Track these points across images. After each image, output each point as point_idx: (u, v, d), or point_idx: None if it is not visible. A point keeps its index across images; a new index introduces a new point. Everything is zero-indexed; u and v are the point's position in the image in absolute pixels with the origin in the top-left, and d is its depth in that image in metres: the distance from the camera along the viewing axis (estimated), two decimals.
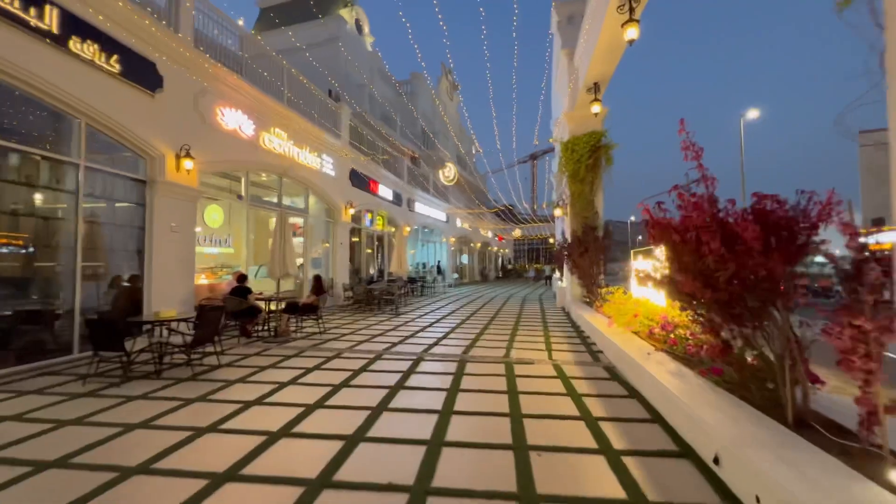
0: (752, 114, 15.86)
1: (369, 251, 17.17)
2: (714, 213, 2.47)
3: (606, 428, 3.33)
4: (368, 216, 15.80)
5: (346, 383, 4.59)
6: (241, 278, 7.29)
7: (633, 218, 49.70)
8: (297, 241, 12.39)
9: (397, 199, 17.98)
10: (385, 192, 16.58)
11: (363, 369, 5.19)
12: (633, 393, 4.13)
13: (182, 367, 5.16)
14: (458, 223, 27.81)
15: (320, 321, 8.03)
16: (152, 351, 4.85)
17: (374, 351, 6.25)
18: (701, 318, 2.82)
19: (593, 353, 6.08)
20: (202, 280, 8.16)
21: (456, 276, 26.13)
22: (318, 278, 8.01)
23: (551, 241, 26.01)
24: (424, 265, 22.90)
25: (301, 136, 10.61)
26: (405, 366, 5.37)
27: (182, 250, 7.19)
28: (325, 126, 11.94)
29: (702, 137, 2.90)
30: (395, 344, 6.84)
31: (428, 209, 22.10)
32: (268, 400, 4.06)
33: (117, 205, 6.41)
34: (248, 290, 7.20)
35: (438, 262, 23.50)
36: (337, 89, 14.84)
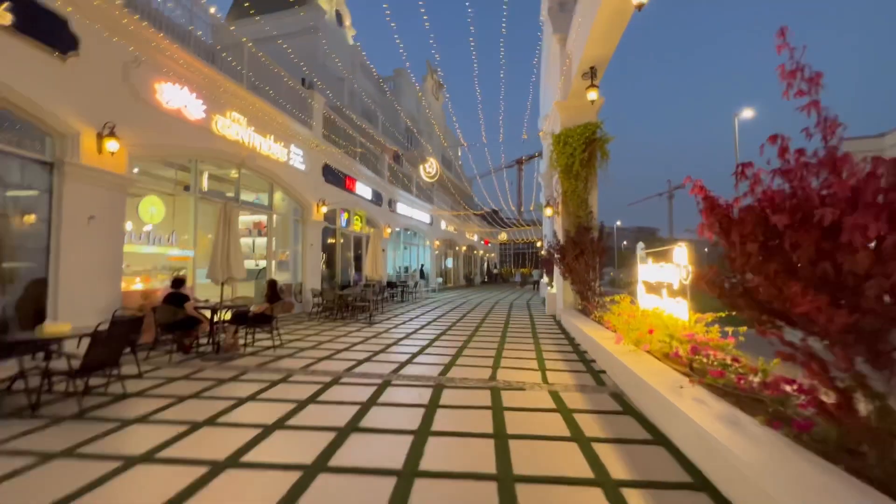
0: (747, 113, 15.33)
1: (349, 255, 16.01)
2: (874, 176, 1.52)
3: (632, 498, 2.33)
4: (345, 216, 14.67)
5: (281, 423, 3.49)
6: (177, 283, 6.11)
7: (619, 223, 49.36)
8: (261, 241, 11.21)
9: (377, 199, 16.88)
10: (363, 190, 15.47)
11: (311, 400, 4.09)
12: (658, 437, 3.14)
13: (72, 400, 3.98)
14: (443, 226, 26.81)
15: (275, 333, 6.88)
16: (26, 378, 3.66)
17: (333, 372, 5.15)
18: (797, 351, 1.83)
19: (595, 373, 5.10)
20: (137, 285, 6.94)
21: (440, 280, 25.09)
22: (272, 284, 6.88)
23: (539, 244, 25.21)
24: (407, 269, 21.79)
25: (264, 124, 9.47)
26: (366, 394, 4.29)
27: (105, 249, 5.98)
28: (295, 115, 10.82)
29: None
30: (360, 362, 5.74)
31: (411, 210, 21.05)
32: (163, 453, 2.94)
33: (14, 193, 5.19)
34: (185, 298, 6.02)
35: (422, 265, 22.44)
36: (311, 78, 13.71)
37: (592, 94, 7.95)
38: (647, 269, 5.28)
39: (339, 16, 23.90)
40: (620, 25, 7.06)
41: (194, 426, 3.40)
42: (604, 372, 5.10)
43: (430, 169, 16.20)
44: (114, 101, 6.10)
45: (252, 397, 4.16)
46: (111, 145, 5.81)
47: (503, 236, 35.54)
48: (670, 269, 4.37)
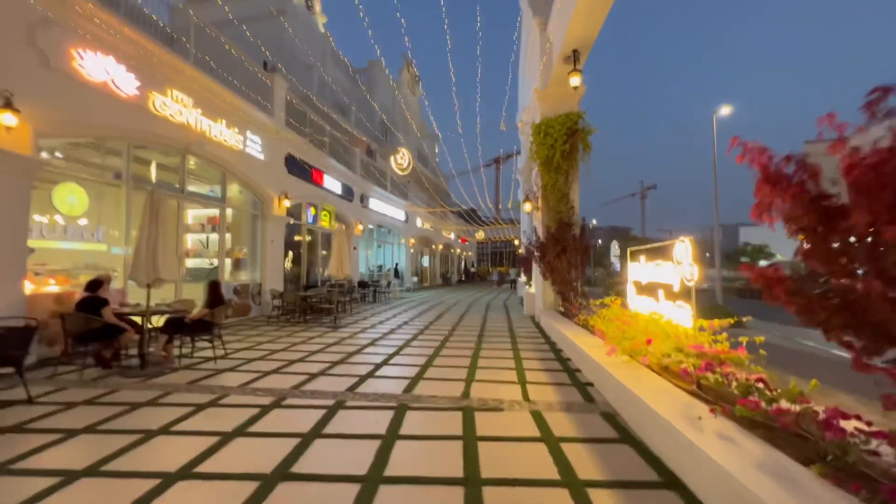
0: (725, 110, 15.23)
1: (318, 253, 15.03)
2: None
3: None
4: (311, 211, 13.70)
5: (188, 470, 2.69)
6: (93, 285, 5.14)
7: (594, 221, 49.64)
8: (216, 238, 10.18)
9: (347, 193, 15.97)
10: (332, 184, 14.54)
11: (240, 431, 3.30)
12: (669, 479, 2.51)
13: None
14: (419, 223, 26.03)
15: (215, 343, 5.99)
16: None
17: (277, 391, 4.35)
18: None
19: (581, 386, 4.50)
20: (51, 287, 5.90)
21: (415, 279, 24.32)
22: (213, 286, 5.96)
23: (517, 242, 24.77)
24: (380, 268, 20.92)
25: (214, 106, 8.47)
26: (313, 419, 3.53)
27: (2, 243, 4.97)
28: (253, 98, 9.84)
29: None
30: (313, 376, 4.95)
31: (385, 206, 20.19)
32: None
33: None
34: (103, 302, 5.07)
35: (396, 264, 21.61)
36: (273, 61, 12.67)
37: (575, 80, 7.38)
38: (638, 269, 4.71)
39: (308, 0, 22.71)
40: (605, 5, 6.51)
41: (69, 477, 2.56)
42: (591, 385, 4.50)
43: (402, 160, 15.39)
44: (14, 67, 5.08)
45: (165, 429, 3.32)
46: (7, 118, 4.80)
47: (480, 234, 35.03)
48: (669, 269, 3.80)
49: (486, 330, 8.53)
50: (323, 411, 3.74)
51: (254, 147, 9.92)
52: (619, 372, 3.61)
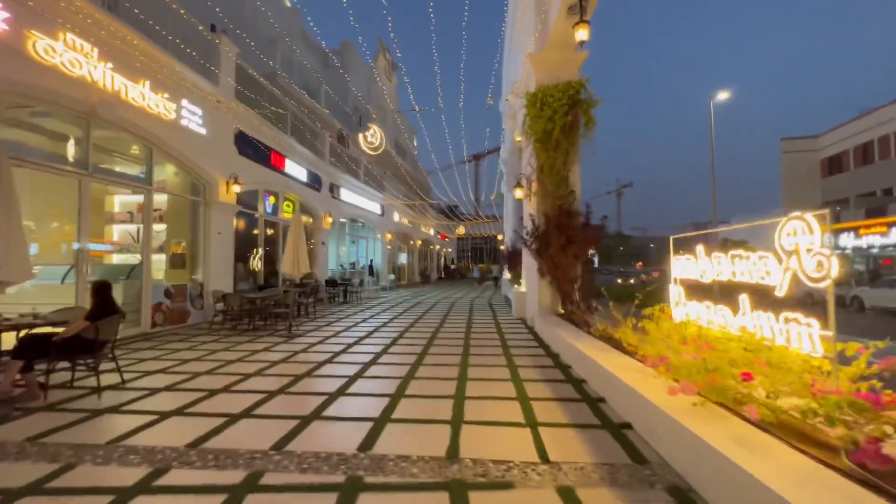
0: (723, 95, 14.31)
1: (280, 247, 13.27)
2: None
3: None
4: (270, 200, 11.99)
5: None
6: None
7: None
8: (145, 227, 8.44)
9: (315, 182, 14.29)
10: (296, 170, 12.85)
11: None
12: None
13: None
14: (396, 217, 24.47)
15: (109, 366, 4.36)
16: None
17: (162, 451, 2.82)
18: None
19: (615, 428, 3.15)
20: None
21: (392, 277, 22.77)
22: (100, 290, 4.27)
23: (500, 238, 23.54)
24: (354, 265, 19.29)
25: (132, 62, 6.74)
26: None
27: None
28: (191, 59, 8.11)
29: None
30: (231, 419, 3.43)
31: (358, 198, 18.55)
32: None
33: None
34: None
35: (371, 261, 20.00)
36: (225, 23, 10.86)
37: (582, 33, 6.02)
38: (690, 264, 3.39)
39: None
40: None
41: None
42: (629, 427, 3.17)
43: (372, 139, 13.81)
44: None
45: None
46: None
47: (461, 230, 33.71)
48: (767, 262, 2.48)
49: (472, 338, 7.14)
50: (221, 498, 2.26)
51: (192, 119, 8.20)
52: (704, 428, 2.26)
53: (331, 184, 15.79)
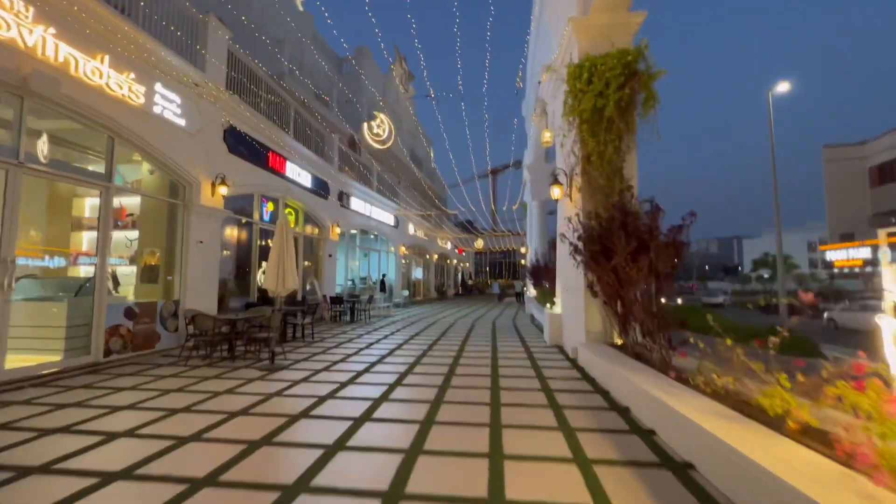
0: (783, 87, 12.55)
1: (308, 263, 11.96)
2: None
3: None
4: (268, 207, 10.72)
5: None
6: None
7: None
8: (122, 236, 7.22)
9: (321, 189, 13.02)
10: (299, 174, 11.60)
11: None
12: None
13: None
14: (411, 230, 23.11)
15: None
16: None
17: None
18: None
19: None
20: None
21: (406, 293, 21.27)
22: None
23: (523, 250, 21.85)
24: (364, 279, 17.89)
25: (82, 30, 5.53)
26: None
27: None
28: (168, 37, 6.94)
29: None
30: None
31: (370, 208, 17.26)
32: None
33: None
34: None
35: (383, 275, 18.56)
36: (231, 17, 9.80)
37: None
38: None
39: None
40: None
41: None
42: None
43: (378, 130, 12.49)
44: None
45: None
46: None
47: (479, 243, 32.11)
48: None
49: (501, 375, 5.51)
50: None
51: (168, 107, 6.98)
52: None
53: (340, 192, 14.53)
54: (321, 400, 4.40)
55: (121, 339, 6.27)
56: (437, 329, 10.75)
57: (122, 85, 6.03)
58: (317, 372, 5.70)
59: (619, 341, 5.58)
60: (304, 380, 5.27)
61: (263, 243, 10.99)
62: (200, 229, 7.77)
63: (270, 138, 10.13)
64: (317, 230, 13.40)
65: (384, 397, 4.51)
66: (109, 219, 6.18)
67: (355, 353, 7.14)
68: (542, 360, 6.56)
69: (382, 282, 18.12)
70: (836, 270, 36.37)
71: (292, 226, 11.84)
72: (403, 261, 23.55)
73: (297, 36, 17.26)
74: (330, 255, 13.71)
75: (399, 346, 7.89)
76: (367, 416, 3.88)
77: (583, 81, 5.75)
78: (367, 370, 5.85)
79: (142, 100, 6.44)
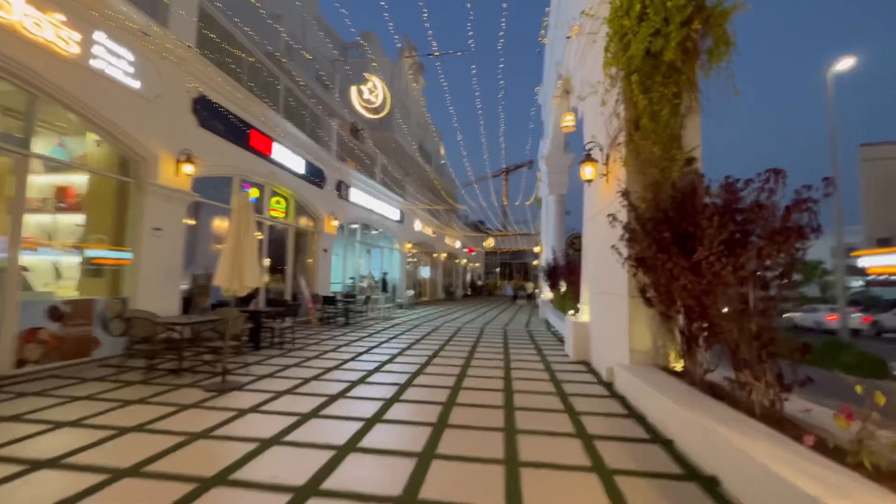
0: (845, 64, 10.91)
1: (312, 259, 10.76)
2: None
3: None
4: (252, 193, 9.48)
5: None
6: None
7: None
8: (67, 219, 6.04)
9: (316, 176, 11.78)
10: (289, 158, 10.36)
11: None
12: None
13: None
14: (418, 226, 21.79)
15: None
16: None
17: None
18: None
19: None
20: None
21: (411, 293, 19.96)
22: None
23: (537, 250, 20.40)
24: (365, 278, 16.62)
25: None
26: None
27: None
28: None
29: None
30: None
31: (372, 201, 15.98)
32: None
33: None
34: None
35: (384, 274, 17.25)
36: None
37: None
38: None
39: None
40: None
41: None
42: None
43: (370, 96, 11.14)
44: None
45: None
46: None
47: (490, 242, 30.71)
48: None
49: (515, 403, 4.14)
50: None
51: (115, 63, 5.75)
52: None
53: (338, 181, 13.27)
54: (263, 446, 3.07)
55: (42, 345, 5.03)
56: (440, 335, 9.39)
57: (41, 25, 4.79)
58: (277, 396, 4.38)
59: (676, 366, 4.16)
60: (255, 408, 3.95)
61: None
62: (157, 214, 6.53)
63: (254, 114, 8.88)
64: (311, 222, 12.16)
65: (352, 444, 3.16)
66: (23, 195, 4.94)
67: (336, 368, 5.82)
68: (567, 383, 5.16)
69: (384, 280, 16.82)
70: (870, 277, 34.11)
71: (281, 216, 10.62)
72: (413, 258, 22.25)
73: (299, 13, 16.08)
74: (325, 250, 12.46)
75: (391, 359, 6.55)
76: (319, 481, 2.54)
77: (633, 17, 4.32)
78: (342, 394, 4.52)
79: (76, 49, 5.21)
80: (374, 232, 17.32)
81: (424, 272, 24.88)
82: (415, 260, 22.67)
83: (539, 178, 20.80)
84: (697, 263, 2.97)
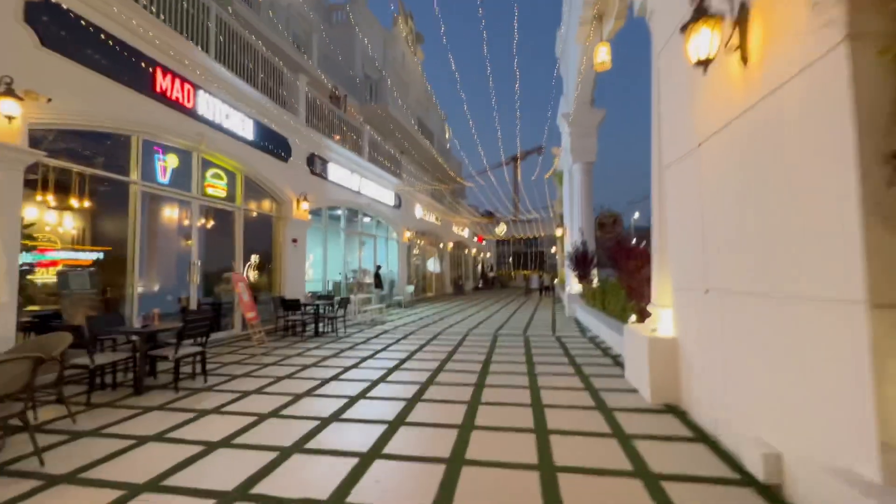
0: None
1: (187, 245, 8.21)
2: None
3: None
4: (167, 160, 6.86)
5: None
6: None
7: (637, 214, 38.55)
8: None
9: (275, 145, 9.15)
10: (231, 118, 7.72)
11: None
12: None
13: None
14: (419, 212, 19.09)
15: None
16: None
17: None
18: None
19: None
20: None
21: (410, 289, 17.33)
22: None
23: (559, 233, 17.52)
24: (354, 273, 14.03)
25: None
26: None
27: None
28: None
29: None
30: None
31: (359, 181, 13.31)
32: None
33: None
34: None
35: (378, 267, 14.60)
36: None
37: None
38: None
39: None
40: None
41: None
42: None
43: None
44: None
45: None
46: None
47: (501, 229, 27.92)
48: None
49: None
50: None
51: None
52: None
53: (311, 154, 10.63)
54: None
55: None
56: (440, 346, 6.72)
57: None
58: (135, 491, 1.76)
59: None
60: None
61: (167, 217, 7.24)
62: None
63: (159, 45, 6.24)
64: (273, 205, 9.57)
65: None
66: None
67: (238, 434, 3.19)
68: (671, 481, 2.43)
69: (378, 276, 14.19)
70: None
71: (222, 195, 8.02)
72: (416, 251, 19.61)
73: None
74: (294, 241, 9.86)
75: (363, 393, 3.89)
76: None
77: None
78: (264, 477, 1.87)
79: None
80: (365, 219, 14.67)
81: (430, 265, 22.23)
82: (418, 251, 20.02)
83: (555, 153, 17.88)
84: None
